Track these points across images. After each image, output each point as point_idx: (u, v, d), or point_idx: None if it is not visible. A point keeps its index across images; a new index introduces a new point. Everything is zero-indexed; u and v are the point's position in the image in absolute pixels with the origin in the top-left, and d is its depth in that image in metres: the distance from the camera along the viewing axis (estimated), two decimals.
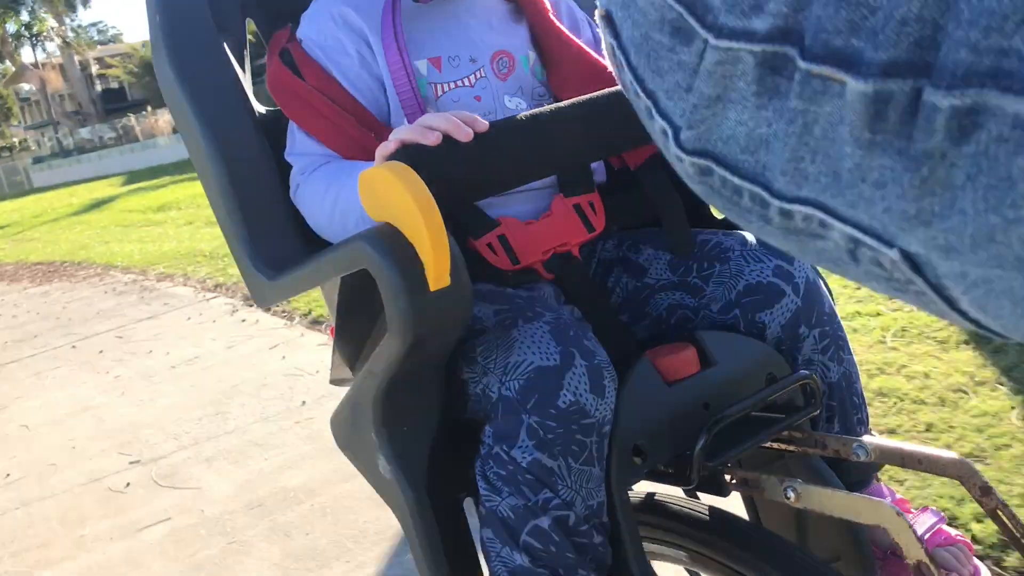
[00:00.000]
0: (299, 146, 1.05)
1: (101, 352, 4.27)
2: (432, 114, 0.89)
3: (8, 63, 35.88)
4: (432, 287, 0.75)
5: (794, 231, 0.40)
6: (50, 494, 2.64)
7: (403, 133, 0.86)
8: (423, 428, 0.91)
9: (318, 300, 4.15)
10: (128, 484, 2.59)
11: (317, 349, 3.55)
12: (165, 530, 2.25)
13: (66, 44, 33.40)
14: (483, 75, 1.09)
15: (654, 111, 0.47)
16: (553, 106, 0.91)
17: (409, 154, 0.82)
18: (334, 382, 1.14)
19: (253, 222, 1.03)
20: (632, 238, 1.12)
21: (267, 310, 4.30)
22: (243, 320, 4.30)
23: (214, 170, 1.03)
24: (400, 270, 0.75)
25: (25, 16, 31.84)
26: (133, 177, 21.24)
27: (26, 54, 37.00)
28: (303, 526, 2.12)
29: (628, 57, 0.47)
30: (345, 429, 0.98)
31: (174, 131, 29.42)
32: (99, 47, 40.98)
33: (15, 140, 44.55)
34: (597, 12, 0.50)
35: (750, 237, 1.05)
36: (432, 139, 0.84)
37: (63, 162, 32.04)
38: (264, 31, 1.20)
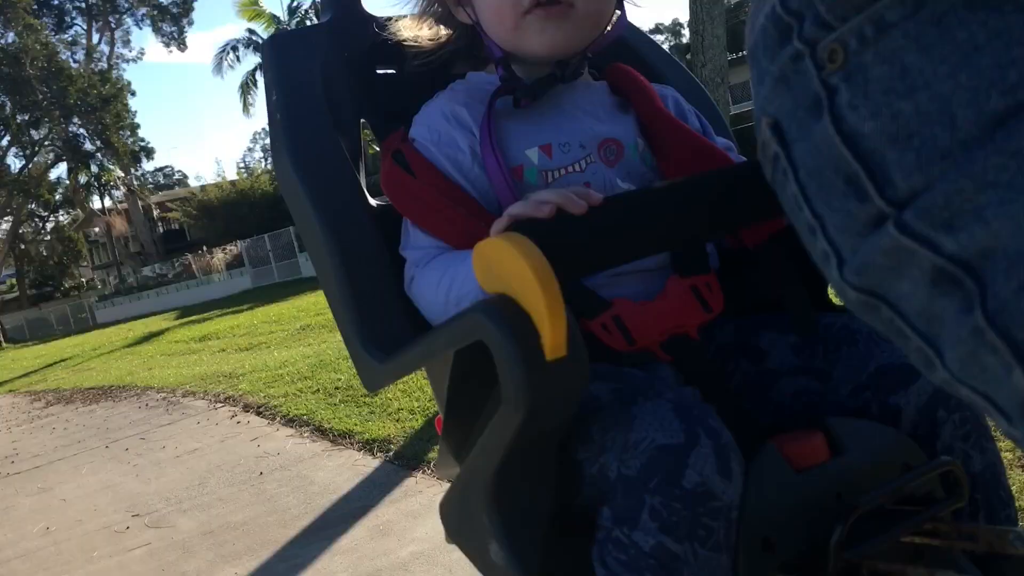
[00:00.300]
0: (413, 240, 1.06)
1: (127, 450, 5.39)
2: (546, 190, 0.90)
3: (79, 210, 38.49)
4: (548, 356, 0.71)
5: (962, 395, 0.44)
6: (75, 536, 3.71)
7: (516, 208, 0.86)
8: (537, 511, 0.86)
9: (295, 402, 5.26)
10: (127, 527, 3.66)
11: (284, 439, 4.62)
12: (146, 550, 3.30)
13: (131, 192, 36.16)
14: (592, 160, 1.08)
15: (820, 234, 0.49)
16: (669, 181, 0.91)
17: (522, 227, 0.80)
18: (441, 476, 1.19)
19: (365, 308, 1.05)
20: (751, 322, 1.08)
21: (259, 414, 5.40)
22: (238, 422, 5.40)
23: (329, 258, 1.06)
24: (516, 338, 0.72)
25: (95, 168, 34.51)
26: (186, 311, 22.87)
27: (95, 201, 39.65)
28: (238, 542, 3.16)
29: (796, 173, 0.50)
30: (454, 515, 0.97)
31: (227, 268, 31.49)
32: (160, 192, 44.01)
33: (83, 280, 47.26)
34: (764, 120, 0.53)
35: None
36: (545, 212, 0.83)
37: (124, 299, 34.18)
38: (378, 132, 1.25)
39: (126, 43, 37.54)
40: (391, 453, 3.80)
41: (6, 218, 33.99)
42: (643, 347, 0.99)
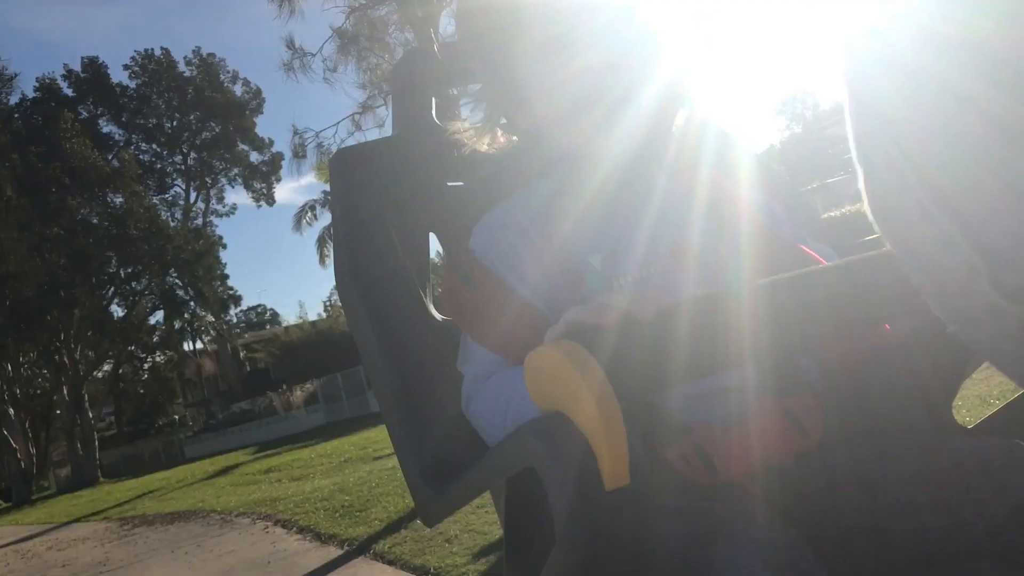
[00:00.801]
0: (471, 356, 0.99)
1: (186, 553, 7.23)
2: (609, 293, 0.84)
3: (174, 353, 41.58)
4: (608, 486, 0.61)
5: None
6: None
7: (573, 313, 0.73)
8: None
9: (309, 517, 7.05)
10: None
11: (293, 541, 6.39)
12: None
13: (220, 336, 39.26)
14: (666, 267, 0.99)
15: (960, 237, 0.35)
16: (756, 283, 0.72)
17: (581, 335, 0.68)
18: None
19: (424, 434, 1.00)
20: (863, 449, 0.92)
21: (284, 526, 7.17)
22: (267, 532, 7.20)
23: (387, 383, 1.02)
24: (569, 464, 0.61)
25: (188, 315, 37.76)
26: (263, 446, 24.94)
27: (187, 343, 42.84)
28: None
29: (921, 165, 0.37)
30: None
31: (305, 404, 33.82)
32: (248, 334, 47.25)
33: (175, 416, 50.26)
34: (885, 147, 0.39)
35: (1017, 443, 0.85)
36: (607, 317, 0.70)
37: (211, 435, 36.71)
38: (447, 246, 1.21)
39: (220, 199, 41.28)
40: (355, 546, 5.53)
41: (108, 361, 37.03)
42: (728, 479, 0.87)
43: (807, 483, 0.91)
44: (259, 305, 57.64)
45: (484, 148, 1.14)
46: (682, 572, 0.75)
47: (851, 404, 0.97)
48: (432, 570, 4.15)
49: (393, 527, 5.62)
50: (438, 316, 1.12)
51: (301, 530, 6.76)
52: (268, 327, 52.84)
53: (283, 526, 7.24)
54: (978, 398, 3.96)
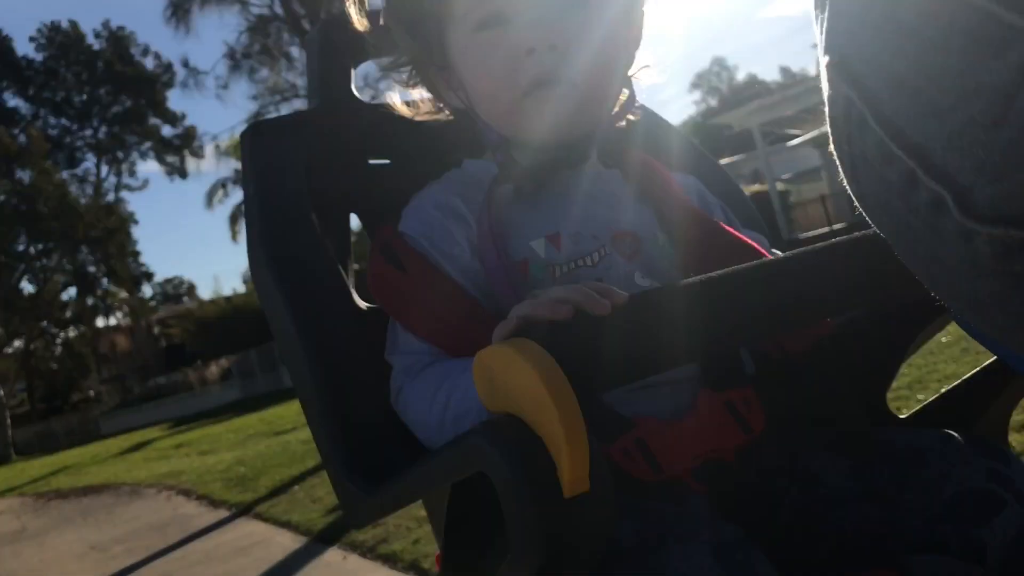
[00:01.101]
0: (402, 344, 0.94)
1: (97, 520, 8.12)
2: (561, 286, 0.74)
3: (85, 328, 41.47)
4: (567, 493, 0.58)
5: None
6: (58, 557, 6.42)
7: (525, 308, 0.72)
8: None
9: (208, 486, 8.01)
10: (84, 552, 6.38)
11: (193, 507, 7.34)
12: (93, 559, 6.01)
13: (133, 311, 39.33)
14: (606, 253, 0.97)
15: (921, 173, 0.36)
16: (702, 277, 0.73)
17: (534, 332, 0.66)
18: None
19: (349, 428, 0.93)
20: (799, 441, 0.93)
21: (185, 495, 8.09)
22: (169, 500, 8.13)
23: (307, 370, 0.95)
24: (526, 471, 0.58)
25: (99, 292, 37.75)
26: (178, 422, 25.51)
27: (101, 319, 42.72)
28: (139, 541, 5.87)
29: (879, 108, 0.38)
30: None
31: (221, 380, 34.32)
32: (163, 307, 47.24)
33: (91, 392, 49.96)
34: (825, 60, 0.42)
35: (951, 434, 0.86)
36: (562, 313, 0.68)
37: (127, 411, 36.91)
38: (369, 227, 1.14)
39: (132, 173, 41.11)
40: (242, 509, 6.50)
41: (19, 338, 36.86)
42: (672, 476, 0.85)
43: (746, 476, 0.89)
44: (175, 277, 57.23)
45: (420, 114, 1.09)
46: (635, 574, 0.73)
47: (786, 396, 0.95)
48: (293, 523, 5.17)
49: (277, 492, 6.61)
50: (361, 303, 1.05)
51: (199, 497, 7.72)
52: (185, 299, 52.70)
53: (184, 495, 8.17)
54: (911, 387, 3.97)
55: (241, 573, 4.45)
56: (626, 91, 1.05)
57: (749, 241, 1.02)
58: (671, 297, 0.72)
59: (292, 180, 1.08)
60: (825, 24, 0.42)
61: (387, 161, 1.19)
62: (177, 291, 57.74)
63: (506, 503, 0.60)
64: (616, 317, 0.69)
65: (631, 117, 1.07)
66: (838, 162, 0.45)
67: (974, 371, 1.01)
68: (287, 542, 4.87)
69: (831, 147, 0.45)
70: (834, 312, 0.80)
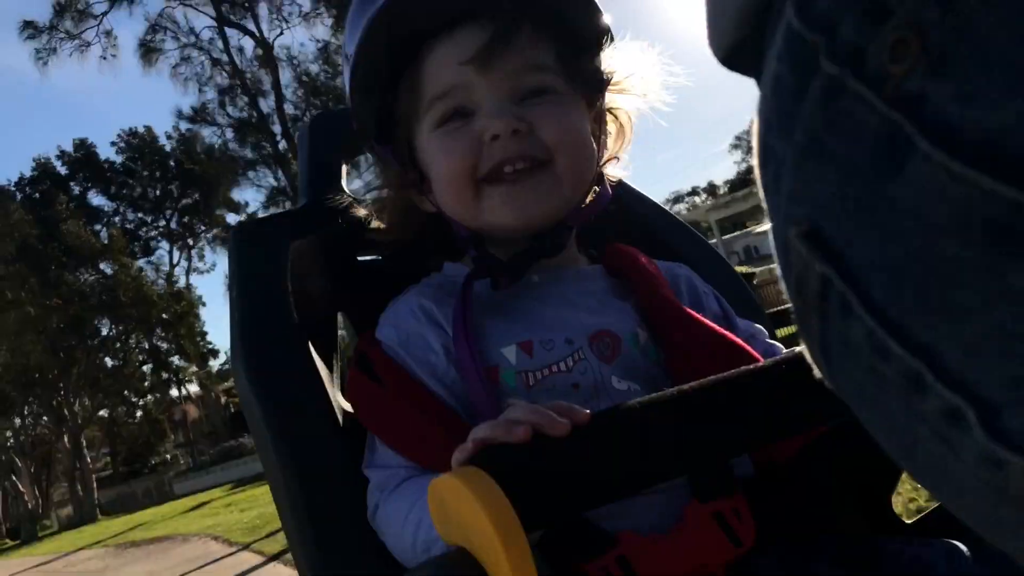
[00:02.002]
0: (378, 458, 0.93)
1: (156, 558, 11.55)
2: (519, 405, 0.72)
3: (160, 396, 45.82)
4: None
5: None
6: None
7: (481, 431, 0.69)
8: None
9: (242, 535, 11.43)
10: None
11: (231, 553, 10.75)
12: None
13: (202, 384, 43.66)
14: (582, 357, 0.94)
15: (932, 378, 0.29)
16: (675, 390, 0.69)
17: (489, 456, 0.64)
18: None
19: (326, 543, 0.92)
20: (797, 552, 0.87)
21: (224, 543, 11.47)
22: (209, 547, 11.52)
23: (286, 487, 0.94)
24: None
25: (173, 368, 42.14)
26: (239, 483, 29.02)
27: (174, 390, 47.08)
28: None
29: (866, 294, 0.31)
30: None
31: None
32: (231, 379, 51.53)
33: (167, 456, 54.27)
34: (793, 229, 0.35)
35: (959, 548, 0.81)
36: (519, 435, 0.66)
37: (197, 474, 40.79)
38: (354, 325, 1.15)
39: (201, 258, 45.63)
40: (257, 550, 9.80)
41: (104, 409, 41.19)
42: None
43: None
44: None
45: (393, 228, 1.08)
46: None
47: (782, 505, 0.88)
48: (274, 555, 8.42)
49: (272, 534, 9.89)
50: (347, 406, 1.03)
51: (224, 541, 11.12)
52: None
53: (215, 540, 11.60)
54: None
55: None
56: (596, 188, 1.03)
57: (737, 341, 0.96)
58: (637, 415, 0.67)
59: (275, 283, 1.07)
60: (785, 185, 0.35)
61: (378, 257, 1.19)
62: None
63: None
64: (577, 438, 0.65)
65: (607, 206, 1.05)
66: (800, 333, 0.37)
67: None
68: (265, 565, 8.19)
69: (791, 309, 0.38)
70: (820, 423, 0.76)
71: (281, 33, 25.51)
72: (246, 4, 24.86)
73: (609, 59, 1.05)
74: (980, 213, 0.26)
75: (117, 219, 42.62)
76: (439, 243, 1.08)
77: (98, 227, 40.30)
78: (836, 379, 0.35)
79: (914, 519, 1.01)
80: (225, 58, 25.80)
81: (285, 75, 25.54)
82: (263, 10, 25.13)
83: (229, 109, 27.65)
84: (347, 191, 1.19)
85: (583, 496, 0.66)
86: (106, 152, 62.31)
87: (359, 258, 1.20)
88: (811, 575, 0.85)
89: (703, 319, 0.99)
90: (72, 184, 41.90)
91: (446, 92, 0.97)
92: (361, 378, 0.97)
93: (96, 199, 43.87)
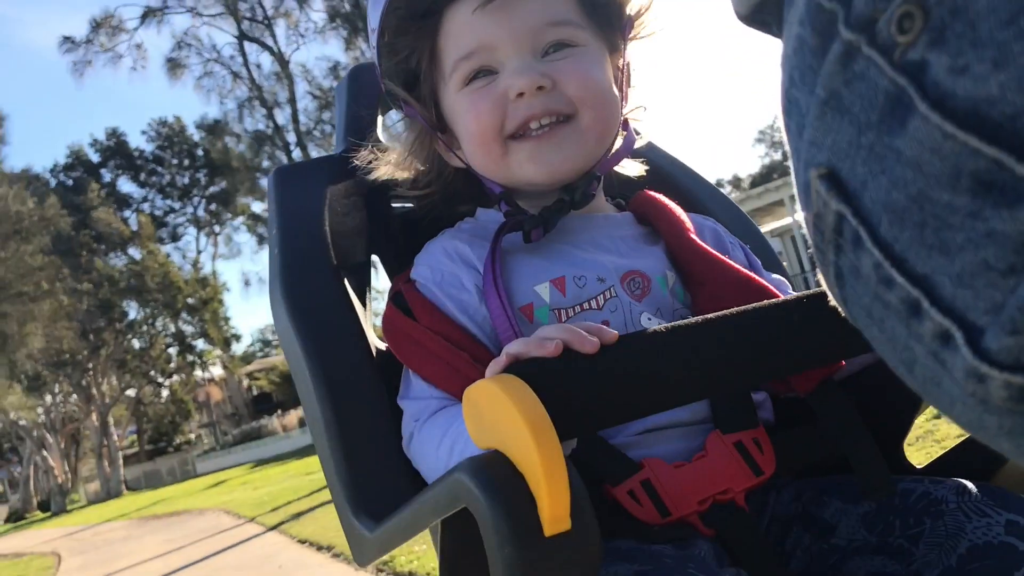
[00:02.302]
0: (413, 390, 0.98)
1: (173, 527, 12.77)
2: (551, 325, 0.75)
3: (185, 376, 47.38)
4: (547, 531, 0.58)
5: None
6: (147, 553, 11.06)
7: (515, 347, 0.72)
8: None
9: (250, 509, 12.61)
10: (165, 551, 11.00)
11: (244, 526, 11.91)
12: (161, 561, 10.62)
13: (225, 367, 45.14)
14: (614, 294, 0.99)
15: (927, 304, 0.34)
16: (701, 317, 0.72)
17: (522, 368, 0.66)
18: None
19: (359, 466, 0.96)
20: (813, 487, 0.93)
21: (234, 516, 12.64)
22: (222, 520, 12.70)
23: (320, 413, 0.98)
24: (506, 508, 0.58)
25: (197, 352, 43.68)
26: (259, 463, 30.21)
27: (199, 372, 48.59)
28: (187, 542, 10.45)
29: (876, 230, 0.36)
30: None
31: (299, 425, 39.29)
32: (255, 362, 53.11)
33: (191, 435, 55.91)
34: (814, 175, 0.39)
35: (969, 485, 0.83)
36: (549, 350, 0.68)
37: (219, 453, 42.23)
38: (388, 269, 1.20)
39: (227, 244, 47.00)
40: (262, 522, 10.91)
41: (131, 388, 42.70)
42: (679, 518, 0.86)
43: (760, 522, 0.91)
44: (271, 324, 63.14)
45: (419, 182, 1.11)
46: None
47: (803, 439, 0.96)
48: (298, 538, 8.52)
49: (276, 509, 11.00)
50: (380, 344, 1.09)
51: (232, 515, 12.27)
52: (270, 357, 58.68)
53: (226, 513, 12.76)
54: (928, 435, 4.18)
55: (235, 545, 8.90)
56: (623, 133, 1.06)
57: (764, 283, 0.99)
58: (664, 338, 0.69)
59: (314, 223, 1.11)
60: (807, 133, 0.40)
61: (409, 205, 1.23)
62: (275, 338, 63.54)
63: (487, 539, 0.59)
64: (606, 356, 0.68)
65: (637, 167, 1.11)
66: (817, 263, 0.42)
67: None
68: (267, 534, 9.31)
69: (803, 238, 0.68)
70: (838, 357, 0.79)
71: (297, 48, 27.27)
72: (265, 21, 26.50)
73: (630, 8, 1.06)
74: (968, 167, 0.31)
75: (146, 206, 44.14)
76: (470, 194, 1.13)
77: (127, 213, 41.82)
78: (848, 304, 0.40)
79: (924, 464, 1.03)
80: (244, 72, 27.47)
81: (299, 88, 27.42)
82: (280, 27, 27.16)
83: (247, 121, 29.45)
84: (382, 140, 1.23)
85: (608, 410, 0.68)
86: (136, 141, 63.44)
87: (393, 204, 1.23)
88: (826, 508, 0.89)
89: (730, 262, 1.03)
90: (103, 171, 43.42)
91: (471, 52, 0.99)
92: (396, 315, 1.00)
93: (126, 186, 45.36)
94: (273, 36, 26.85)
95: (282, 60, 26.55)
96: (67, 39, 28.71)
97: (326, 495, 9.98)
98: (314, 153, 26.74)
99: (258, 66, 28.13)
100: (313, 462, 19.24)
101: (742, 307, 0.73)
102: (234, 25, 27.01)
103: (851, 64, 0.36)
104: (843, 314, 0.42)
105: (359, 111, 1.24)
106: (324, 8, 26.05)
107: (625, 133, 1.07)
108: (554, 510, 0.57)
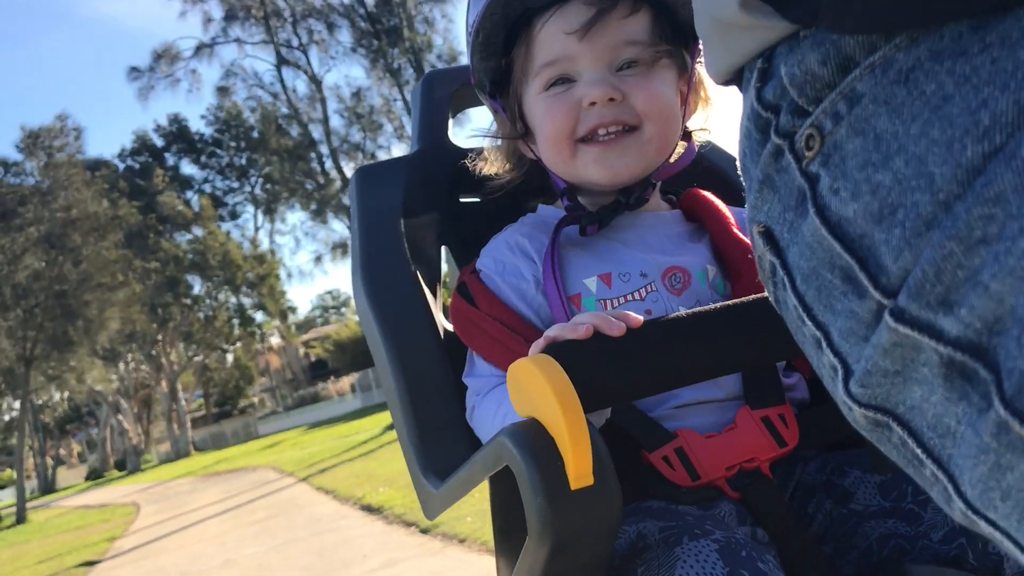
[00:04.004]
0: (475, 369, 1.09)
1: (230, 482, 15.30)
2: (586, 312, 0.90)
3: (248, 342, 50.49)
4: (573, 486, 0.68)
5: (984, 533, 0.39)
6: (199, 506, 13.57)
7: (552, 330, 0.85)
8: None
9: (298, 468, 15.03)
10: (221, 501, 13.50)
11: (287, 482, 14.37)
12: (227, 515, 13.11)
13: (283, 337, 48.20)
14: (654, 289, 1.08)
15: (825, 346, 0.45)
16: (718, 304, 0.84)
17: (556, 349, 0.80)
18: None
19: (428, 433, 1.09)
20: (837, 459, 1.02)
21: (284, 474, 15.04)
22: (273, 476, 15.19)
23: (396, 386, 1.11)
24: (538, 464, 0.69)
25: (256, 324, 46.69)
26: (313, 425, 32.68)
27: (259, 341, 51.67)
28: (247, 499, 12.93)
29: (794, 282, 0.47)
30: None
31: (351, 390, 41.99)
32: (311, 331, 56.15)
33: (254, 399, 59.31)
34: (756, 229, 0.50)
35: None
36: (581, 333, 0.81)
37: (278, 416, 45.29)
38: (458, 259, 1.31)
39: (283, 221, 49.78)
40: (302, 478, 13.27)
41: (197, 357, 45.91)
42: (708, 483, 0.96)
43: (782, 488, 1.01)
44: (334, 289, 65.82)
45: (502, 174, 1.22)
46: (652, 566, 0.82)
47: (824, 417, 1.04)
48: (328, 489, 9.53)
49: (312, 465, 13.31)
50: (447, 325, 1.20)
51: (280, 472, 14.73)
52: (341, 310, 61.46)
53: (273, 470, 15.24)
54: None
55: (279, 500, 11.25)
56: (684, 145, 1.15)
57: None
58: (683, 323, 0.80)
59: (391, 218, 1.23)
60: (752, 197, 0.51)
61: (476, 199, 1.34)
62: (337, 302, 66.37)
63: (523, 492, 0.70)
64: (631, 338, 0.79)
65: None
66: (764, 287, 0.54)
67: None
68: (296, 485, 11.66)
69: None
70: None
71: (329, 70, 31.33)
72: (300, 47, 29.49)
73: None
74: (836, 262, 0.42)
75: (207, 186, 46.99)
76: (538, 186, 1.23)
77: (189, 194, 44.75)
78: (785, 322, 0.51)
79: None
80: (283, 95, 32.09)
81: (330, 106, 31.57)
82: (313, 53, 31.02)
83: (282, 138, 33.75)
84: (451, 140, 1.35)
85: (632, 385, 0.80)
86: (196, 125, 66.62)
87: (461, 199, 1.34)
88: (846, 477, 0.99)
89: None
90: (167, 155, 46.33)
91: (554, 60, 1.08)
92: (461, 303, 1.11)
93: (187, 168, 48.24)
94: (308, 59, 30.61)
95: (316, 81, 29.95)
96: (134, 69, 33.04)
97: (346, 455, 12.41)
98: (345, 166, 30.82)
99: (294, 90, 31.85)
100: (352, 426, 21.55)
101: (755, 296, 0.83)
102: (273, 54, 31.03)
103: (779, 159, 0.47)
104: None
105: (431, 114, 1.36)
106: (351, 33, 29.82)
107: (687, 145, 1.16)
108: (579, 468, 0.67)
